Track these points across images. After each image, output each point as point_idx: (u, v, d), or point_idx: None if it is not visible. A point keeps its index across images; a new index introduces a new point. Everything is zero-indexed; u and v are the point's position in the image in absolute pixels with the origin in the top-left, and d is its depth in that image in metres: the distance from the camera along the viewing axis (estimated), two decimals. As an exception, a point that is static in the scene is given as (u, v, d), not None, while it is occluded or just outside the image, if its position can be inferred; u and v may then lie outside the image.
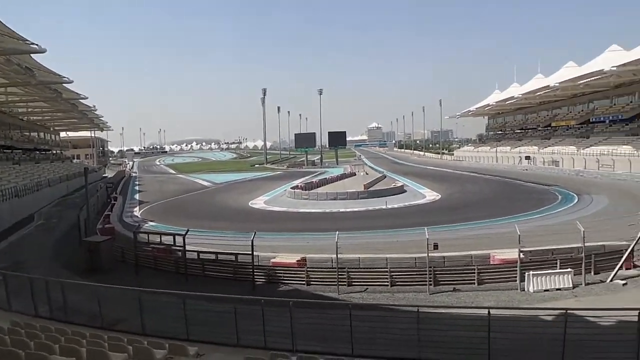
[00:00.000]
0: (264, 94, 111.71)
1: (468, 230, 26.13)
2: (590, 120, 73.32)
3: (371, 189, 46.27)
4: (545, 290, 15.94)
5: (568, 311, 9.94)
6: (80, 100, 58.19)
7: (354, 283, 17.42)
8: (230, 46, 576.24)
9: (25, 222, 33.96)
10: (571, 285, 16.05)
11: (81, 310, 12.97)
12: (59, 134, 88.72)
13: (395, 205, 37.70)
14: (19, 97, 50.85)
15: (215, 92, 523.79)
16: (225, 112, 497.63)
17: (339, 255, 17.08)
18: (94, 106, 68.51)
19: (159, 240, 22.06)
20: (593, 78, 59.79)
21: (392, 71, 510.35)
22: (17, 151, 59.16)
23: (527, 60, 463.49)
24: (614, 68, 52.50)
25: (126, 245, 23.12)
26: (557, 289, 15.95)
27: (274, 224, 31.36)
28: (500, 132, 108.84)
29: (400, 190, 45.97)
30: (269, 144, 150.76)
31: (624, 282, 16.27)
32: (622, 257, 16.87)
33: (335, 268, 17.24)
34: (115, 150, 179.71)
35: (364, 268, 18.12)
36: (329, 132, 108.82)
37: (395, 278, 17.24)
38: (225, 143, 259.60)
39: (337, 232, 17.57)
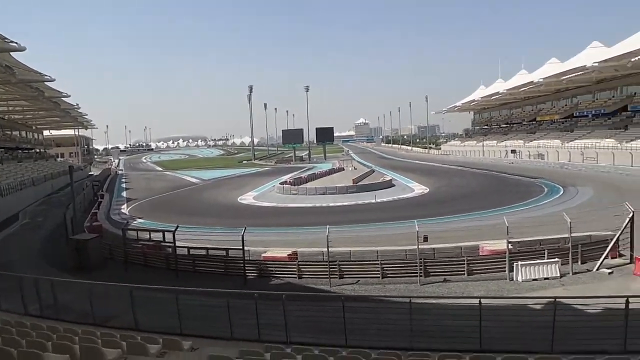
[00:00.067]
0: (251, 90, 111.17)
1: (457, 223, 26.39)
2: (574, 115, 74.46)
3: (360, 183, 46.40)
4: (533, 280, 16.22)
5: (557, 299, 10.16)
6: (63, 98, 57.22)
7: (345, 276, 17.54)
8: (216, 43, 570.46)
9: (10, 222, 33.37)
10: (559, 275, 16.36)
11: (72, 308, 12.86)
12: (42, 133, 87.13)
13: (385, 199, 37.93)
14: (-1, 95, 49.88)
15: (202, 89, 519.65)
16: (212, 110, 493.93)
17: (330, 249, 17.16)
18: (77, 104, 67.57)
19: (148, 236, 21.87)
20: (576, 74, 60.73)
21: (377, 67, 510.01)
22: (-1, 150, 58.05)
23: (511, 56, 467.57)
24: (596, 64, 53.34)
25: (114, 242, 22.92)
26: (545, 279, 16.23)
27: (264, 219, 31.29)
28: (486, 126, 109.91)
29: (389, 184, 46.19)
30: (256, 141, 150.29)
31: (609, 270, 16.63)
32: (607, 246, 17.24)
33: (327, 261, 17.32)
34: (100, 148, 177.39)
35: (355, 261, 18.24)
36: (316, 128, 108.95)
37: (386, 270, 17.39)
38: (212, 140, 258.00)
39: (327, 226, 17.63)
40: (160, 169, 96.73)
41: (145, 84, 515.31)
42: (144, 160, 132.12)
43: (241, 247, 17.85)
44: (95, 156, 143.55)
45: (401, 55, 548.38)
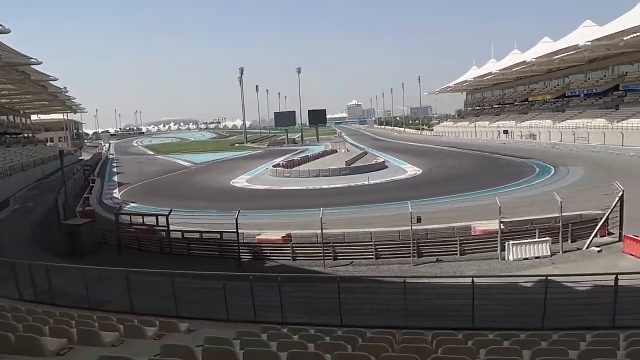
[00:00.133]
0: (242, 73, 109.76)
1: (449, 203, 26.59)
2: (566, 95, 74.66)
3: (353, 165, 46.43)
4: (524, 259, 16.48)
5: (547, 277, 10.33)
6: (50, 82, 56.20)
7: (339, 257, 17.68)
8: (207, 24, 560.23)
9: (1, 207, 33.11)
10: (549, 254, 16.62)
11: (67, 293, 12.84)
12: (29, 117, 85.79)
13: (378, 181, 38.03)
14: (-16, 79, 48.90)
15: (193, 72, 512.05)
16: (203, 92, 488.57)
17: (323, 231, 17.24)
18: (65, 88, 66.33)
19: (141, 220, 21.81)
20: (568, 53, 60.70)
21: (371, 48, 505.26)
22: (-14, 135, 57.21)
23: (503, 36, 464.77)
24: (588, 43, 53.26)
25: (107, 227, 22.83)
26: (536, 257, 16.49)
27: (257, 202, 31.29)
28: (478, 107, 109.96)
29: (382, 166, 46.27)
30: (248, 123, 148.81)
31: (599, 249, 16.92)
32: (597, 225, 17.51)
33: (321, 243, 17.43)
34: (90, 132, 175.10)
35: (349, 242, 18.38)
36: (309, 111, 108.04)
37: (380, 251, 17.55)
38: (203, 123, 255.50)
39: (321, 208, 17.70)
40: (152, 152, 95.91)
41: (137, 68, 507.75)
42: (135, 144, 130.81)
43: (235, 230, 17.88)
44: (85, 140, 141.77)
45: (393, 36, 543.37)
